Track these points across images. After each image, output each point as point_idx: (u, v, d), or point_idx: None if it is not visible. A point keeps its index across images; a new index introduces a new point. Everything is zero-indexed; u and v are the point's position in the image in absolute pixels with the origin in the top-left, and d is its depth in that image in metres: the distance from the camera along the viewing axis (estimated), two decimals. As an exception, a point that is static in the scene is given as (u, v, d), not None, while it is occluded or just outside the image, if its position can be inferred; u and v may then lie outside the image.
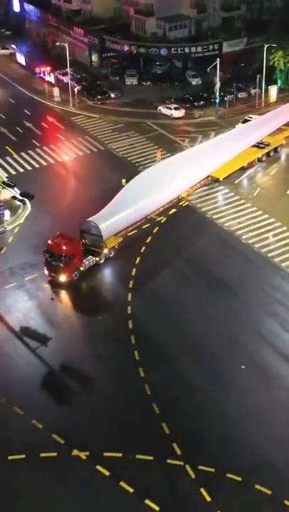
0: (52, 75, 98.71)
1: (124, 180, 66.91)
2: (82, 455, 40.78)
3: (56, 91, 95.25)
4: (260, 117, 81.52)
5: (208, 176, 70.38)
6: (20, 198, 65.46)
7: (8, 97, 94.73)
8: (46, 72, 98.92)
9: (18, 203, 67.34)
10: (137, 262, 58.94)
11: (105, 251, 58.10)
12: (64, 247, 54.93)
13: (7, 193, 67.97)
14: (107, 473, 39.61)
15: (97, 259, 57.86)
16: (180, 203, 67.24)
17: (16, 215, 65.76)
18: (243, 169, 72.96)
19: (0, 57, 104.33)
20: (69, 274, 55.47)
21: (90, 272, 57.63)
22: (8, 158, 76.89)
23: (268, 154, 76.08)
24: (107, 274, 58.39)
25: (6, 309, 53.20)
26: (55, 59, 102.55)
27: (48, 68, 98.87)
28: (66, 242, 55.40)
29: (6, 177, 70.49)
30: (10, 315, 52.59)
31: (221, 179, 70.40)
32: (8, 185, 67.26)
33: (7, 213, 64.13)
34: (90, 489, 38.92)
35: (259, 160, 75.28)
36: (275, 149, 77.11)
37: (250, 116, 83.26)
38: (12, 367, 47.79)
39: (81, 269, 56.48)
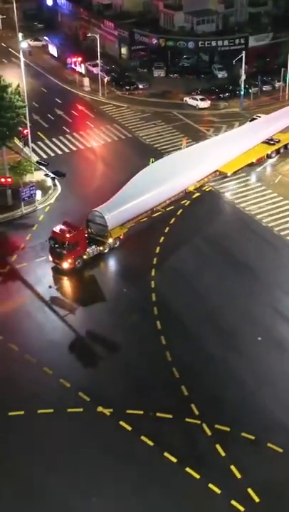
0: (82, 65, 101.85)
1: (152, 160, 69.43)
2: (106, 411, 43.68)
3: (86, 81, 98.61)
4: (271, 114, 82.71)
5: (217, 171, 71.13)
6: (52, 175, 68.40)
7: (40, 87, 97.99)
8: (77, 63, 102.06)
9: (49, 184, 70.34)
10: (160, 241, 61.78)
11: (110, 241, 59.25)
12: (68, 235, 56.08)
13: (39, 175, 70.98)
14: (129, 428, 42.51)
15: (102, 248, 59.02)
16: (193, 195, 69.13)
17: (47, 195, 69.01)
18: (252, 165, 73.87)
19: (33, 48, 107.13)
20: (72, 262, 56.71)
21: (116, 248, 60.30)
22: (40, 143, 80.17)
23: (277, 151, 76.76)
24: (133, 251, 60.86)
25: (36, 280, 56.42)
26: (86, 51, 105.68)
27: (79, 59, 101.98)
28: (70, 231, 56.50)
29: (38, 160, 73.55)
30: (40, 285, 55.79)
31: (228, 174, 71.28)
32: (42, 164, 70.48)
33: (38, 193, 67.12)
34: (113, 442, 41.77)
35: (268, 156, 75.78)
36: (285, 146, 77.55)
37: (258, 115, 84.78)
38: (42, 332, 50.95)
39: (84, 257, 57.71)
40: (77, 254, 57.02)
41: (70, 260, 56.47)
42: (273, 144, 76.85)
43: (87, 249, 57.98)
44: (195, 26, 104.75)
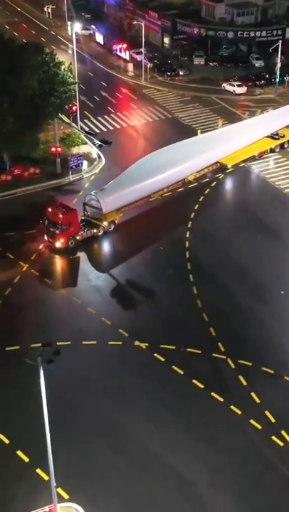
0: (127, 52, 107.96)
1: (199, 131, 75.94)
2: (143, 345, 49.57)
3: (130, 66, 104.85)
4: (277, 110, 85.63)
5: (218, 162, 72.60)
6: (100, 143, 74.35)
7: (87, 71, 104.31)
8: (122, 50, 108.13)
9: (95, 156, 76.58)
10: (195, 208, 67.48)
11: (104, 224, 61.40)
12: (61, 216, 58.53)
13: (86, 148, 77.31)
14: (162, 359, 48.29)
15: (95, 230, 61.24)
16: (189, 184, 71.42)
17: (93, 165, 75.17)
18: (254, 158, 75.97)
19: (81, 37, 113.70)
20: (64, 241, 59.03)
21: (155, 212, 66.20)
22: (87, 121, 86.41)
23: (281, 146, 78.29)
24: (170, 215, 66.72)
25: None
26: (130, 40, 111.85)
27: (124, 45, 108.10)
28: (64, 212, 58.90)
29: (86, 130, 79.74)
30: (86, 241, 61.82)
31: (229, 166, 72.78)
32: (90, 134, 76.74)
33: (85, 163, 73.34)
34: (149, 370, 47.62)
35: (272, 150, 77.42)
36: None
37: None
38: (87, 279, 56.99)
39: (77, 238, 59.95)
40: (70, 235, 59.34)
41: (62, 240, 58.96)
42: (278, 139, 78.39)
43: (81, 231, 60.29)
44: (235, 18, 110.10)
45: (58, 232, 58.80)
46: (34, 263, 58.71)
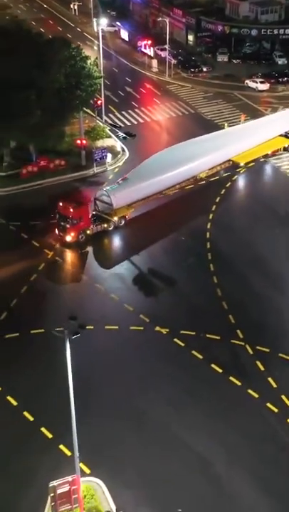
0: (151, 49, 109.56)
1: (226, 125, 77.36)
2: (163, 331, 51.04)
3: (154, 63, 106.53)
4: None
5: (230, 160, 72.59)
6: (124, 135, 75.99)
7: (112, 67, 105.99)
8: (147, 46, 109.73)
9: (119, 149, 78.22)
10: (216, 200, 68.84)
11: (115, 219, 62.07)
12: (71, 210, 59.13)
13: (110, 141, 78.97)
14: (182, 344, 49.73)
15: (106, 225, 62.00)
16: (209, 178, 71.95)
17: (116, 158, 76.78)
18: (266, 157, 76.41)
19: (106, 33, 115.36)
20: (75, 235, 59.69)
21: (177, 204, 67.69)
22: (111, 115, 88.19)
23: None
24: (191, 207, 68.20)
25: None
26: (155, 37, 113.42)
27: (149, 42, 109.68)
28: (74, 206, 59.43)
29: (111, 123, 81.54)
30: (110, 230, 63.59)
31: (241, 164, 72.95)
32: (114, 126, 78.42)
33: (109, 156, 74.98)
34: (169, 354, 49.06)
35: (285, 149, 77.63)
36: None
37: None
38: (109, 266, 58.71)
39: (88, 232, 60.77)
40: (80, 229, 60.09)
41: (72, 234, 59.65)
42: None
43: (92, 226, 61.03)
44: (259, 15, 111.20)
45: (68, 226, 59.58)
46: (59, 251, 60.24)
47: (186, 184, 69.33)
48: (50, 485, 34.40)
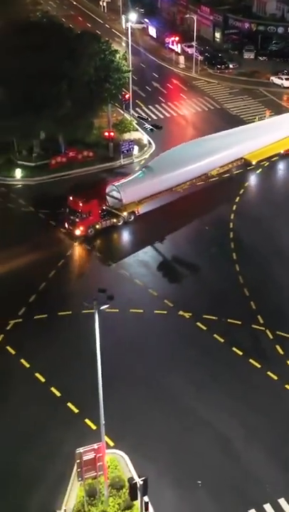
0: (179, 45, 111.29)
1: (257, 118, 79.44)
2: (186, 315, 52.77)
3: (182, 59, 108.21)
4: None
5: (242, 158, 72.78)
6: (151, 127, 77.93)
7: (140, 63, 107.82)
8: (174, 42, 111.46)
9: (146, 142, 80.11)
10: (240, 192, 70.42)
11: (124, 214, 62.80)
12: (81, 204, 60.37)
13: (137, 134, 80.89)
14: (204, 328, 51.45)
15: (115, 220, 62.80)
16: (211, 178, 72.02)
17: (143, 151, 78.65)
18: (279, 155, 76.53)
19: (134, 30, 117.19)
20: (84, 230, 60.77)
21: (201, 195, 69.39)
22: (138, 109, 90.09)
23: None
24: (215, 198, 69.85)
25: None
26: (182, 34, 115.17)
27: (176, 38, 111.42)
28: (84, 200, 60.55)
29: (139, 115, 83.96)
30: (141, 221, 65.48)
31: (253, 163, 73.32)
32: (142, 118, 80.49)
33: (136, 148, 76.88)
34: (191, 337, 50.80)
35: None
36: None
37: None
38: (134, 254, 60.68)
39: (97, 226, 61.73)
40: (90, 223, 61.18)
41: (81, 228, 60.76)
42: None
43: (101, 220, 61.97)
44: (285, 13, 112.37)
45: (77, 220, 60.73)
46: (85, 238, 62.23)
47: (196, 181, 69.59)
48: (77, 451, 36.09)
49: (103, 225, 62.40)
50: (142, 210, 65.24)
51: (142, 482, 34.11)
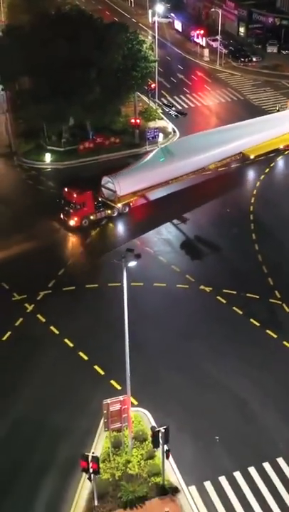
0: (204, 39, 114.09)
1: (279, 106, 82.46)
2: (207, 289, 55.61)
3: (206, 52, 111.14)
4: None
5: (241, 153, 73.01)
6: (176, 113, 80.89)
7: (165, 56, 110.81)
8: (199, 36, 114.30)
9: (170, 130, 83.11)
10: (261, 178, 73.11)
11: (118, 206, 63.54)
12: (75, 196, 61.55)
13: (162, 123, 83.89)
14: (224, 301, 54.24)
15: (110, 212, 63.73)
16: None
17: (168, 138, 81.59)
18: (278, 151, 76.97)
19: (160, 24, 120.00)
20: (78, 220, 61.84)
21: (223, 179, 72.39)
22: (163, 99, 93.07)
23: None
24: (236, 183, 72.90)
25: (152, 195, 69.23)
26: (207, 28, 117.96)
27: (202, 32, 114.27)
28: (78, 192, 61.72)
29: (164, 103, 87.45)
30: (166, 203, 68.37)
31: (251, 157, 73.45)
32: (167, 106, 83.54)
33: (161, 136, 79.85)
34: (211, 309, 53.61)
35: None
36: None
37: None
38: (158, 233, 63.75)
39: (91, 218, 62.77)
40: (84, 214, 62.25)
41: (76, 219, 61.86)
42: None
43: (96, 212, 62.99)
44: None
45: (71, 211, 61.94)
46: (112, 218, 65.29)
47: (194, 175, 70.35)
48: (104, 402, 39.08)
49: (98, 216, 63.31)
50: (139, 201, 66.97)
51: (163, 430, 36.96)
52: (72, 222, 62.43)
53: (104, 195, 64.21)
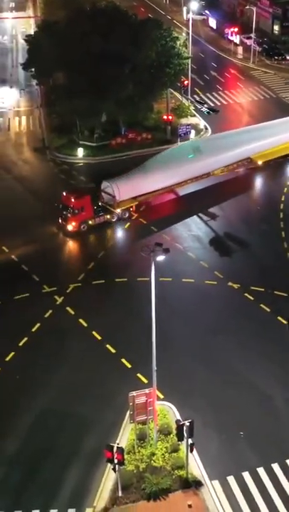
0: (238, 36, 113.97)
1: None
2: (235, 286, 55.84)
3: (240, 50, 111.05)
4: None
5: (249, 158, 70.76)
6: (208, 110, 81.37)
7: (198, 53, 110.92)
8: (233, 34, 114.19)
9: (202, 126, 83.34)
10: (290, 176, 73.20)
11: (118, 211, 62.37)
12: (73, 200, 60.71)
13: (194, 119, 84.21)
14: (251, 298, 54.42)
15: (109, 217, 62.77)
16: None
17: (199, 135, 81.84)
18: (285, 157, 74.46)
19: (195, 21, 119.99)
20: (76, 225, 61.03)
21: (253, 177, 72.40)
22: (196, 96, 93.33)
23: None
24: (267, 181, 72.94)
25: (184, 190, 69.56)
26: (242, 26, 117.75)
27: (236, 29, 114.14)
28: (76, 196, 60.99)
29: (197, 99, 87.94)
30: (195, 199, 68.69)
31: (259, 163, 71.08)
32: (199, 102, 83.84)
33: (193, 132, 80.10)
34: (239, 305, 53.82)
35: None
36: None
37: None
38: (188, 228, 64.01)
39: (90, 222, 61.89)
40: (82, 219, 61.43)
41: (74, 223, 61.04)
42: None
43: (95, 217, 62.04)
44: None
45: (69, 215, 61.10)
46: (143, 213, 65.92)
47: (199, 180, 68.70)
48: (130, 394, 39.57)
49: (96, 221, 62.43)
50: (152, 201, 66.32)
51: (188, 424, 37.36)
52: (70, 227, 61.69)
53: (104, 200, 63.08)
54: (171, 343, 48.77)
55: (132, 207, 64.02)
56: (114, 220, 63.48)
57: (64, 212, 61.86)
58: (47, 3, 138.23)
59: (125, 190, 62.36)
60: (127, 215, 63.92)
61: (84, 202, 61.59)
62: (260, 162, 71.16)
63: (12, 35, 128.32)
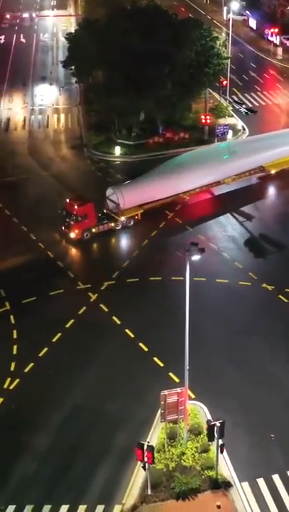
0: (278, 37, 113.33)
1: None
2: (269, 287, 55.54)
3: (280, 50, 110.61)
4: None
5: (262, 167, 69.11)
6: (246, 111, 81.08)
7: (238, 53, 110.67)
8: (274, 34, 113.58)
9: (240, 127, 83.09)
10: None
11: (122, 219, 61.18)
12: (76, 207, 59.67)
13: (232, 120, 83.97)
14: (285, 300, 54.11)
15: (113, 224, 61.46)
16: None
17: (237, 136, 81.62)
18: None
19: (235, 21, 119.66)
20: (79, 233, 59.73)
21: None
22: (234, 97, 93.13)
23: None
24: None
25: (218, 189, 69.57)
26: (282, 26, 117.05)
27: (276, 30, 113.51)
28: (79, 203, 59.82)
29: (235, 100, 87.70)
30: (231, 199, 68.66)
31: (272, 172, 69.51)
32: (237, 103, 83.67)
33: (230, 132, 79.89)
34: (272, 307, 53.54)
35: None
36: None
37: None
38: (225, 229, 64.10)
39: (93, 230, 60.66)
40: (85, 227, 60.13)
41: (76, 231, 59.81)
42: None
43: (99, 225, 60.79)
44: None
45: (72, 223, 59.97)
46: (178, 213, 66.03)
47: (208, 188, 67.82)
48: (162, 393, 39.64)
49: (100, 229, 61.18)
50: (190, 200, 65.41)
51: (219, 424, 37.31)
52: (72, 235, 60.56)
53: (108, 207, 62.16)
54: (204, 342, 48.67)
55: (137, 215, 62.57)
56: (118, 228, 62.13)
57: (67, 220, 60.65)
58: (88, 2, 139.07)
59: (130, 198, 61.13)
60: (131, 223, 62.46)
61: (87, 209, 60.53)
62: (273, 171, 69.34)
63: (53, 33, 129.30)
